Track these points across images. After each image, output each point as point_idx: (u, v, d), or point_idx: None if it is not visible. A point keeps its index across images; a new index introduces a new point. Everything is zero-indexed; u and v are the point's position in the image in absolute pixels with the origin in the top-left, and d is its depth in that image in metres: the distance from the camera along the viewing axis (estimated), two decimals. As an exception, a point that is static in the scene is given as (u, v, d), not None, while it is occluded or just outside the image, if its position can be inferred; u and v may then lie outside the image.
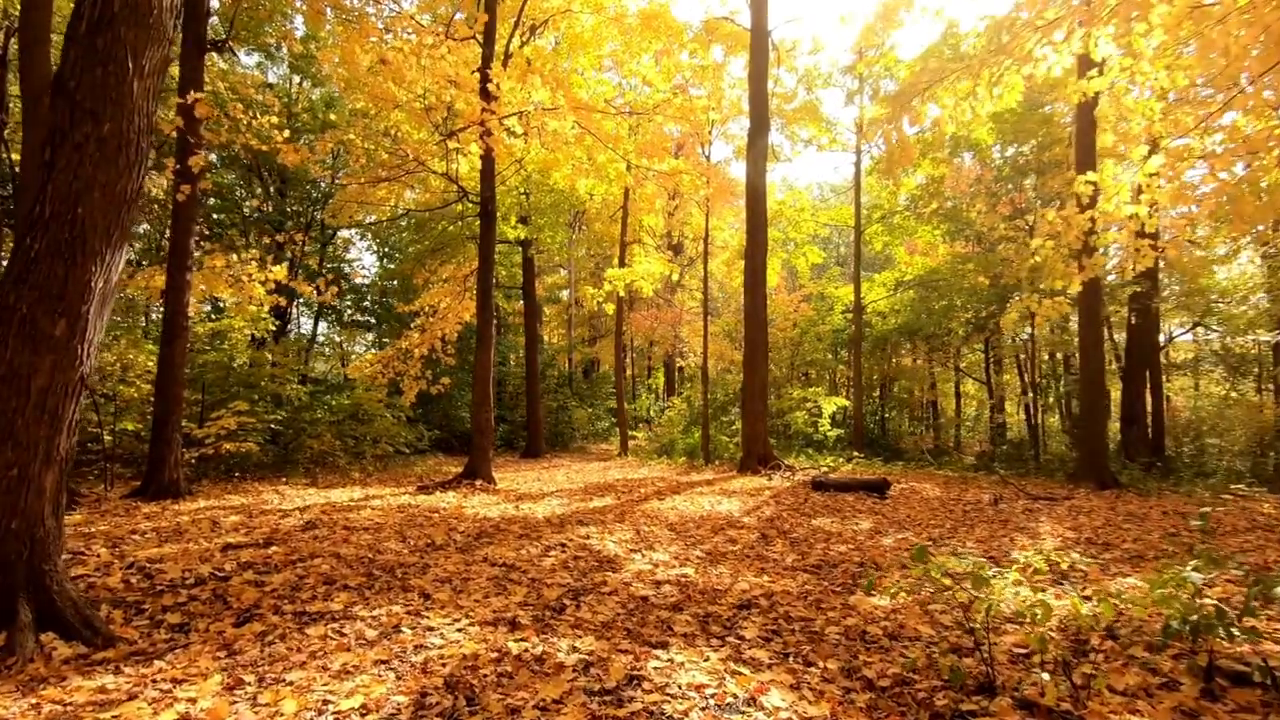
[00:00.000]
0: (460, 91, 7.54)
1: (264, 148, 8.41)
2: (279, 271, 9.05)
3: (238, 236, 14.94)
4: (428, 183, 14.21)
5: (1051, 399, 22.20)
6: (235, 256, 8.66)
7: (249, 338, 13.61)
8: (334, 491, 9.22)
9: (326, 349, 27.59)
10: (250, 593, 4.13)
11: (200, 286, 8.77)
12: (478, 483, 9.74)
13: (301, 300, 23.27)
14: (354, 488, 9.84)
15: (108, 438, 9.37)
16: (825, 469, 12.51)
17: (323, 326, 30.84)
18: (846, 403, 16.21)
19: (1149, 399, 16.02)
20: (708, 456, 14.80)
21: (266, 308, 12.08)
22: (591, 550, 5.59)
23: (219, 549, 5.27)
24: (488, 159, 9.76)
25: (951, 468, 14.68)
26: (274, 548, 5.36)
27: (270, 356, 12.52)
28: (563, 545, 5.73)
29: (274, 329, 12.53)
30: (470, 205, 11.06)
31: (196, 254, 9.37)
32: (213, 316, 12.37)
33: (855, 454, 14.30)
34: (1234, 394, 20.81)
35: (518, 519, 7.11)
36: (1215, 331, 19.93)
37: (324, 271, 21.60)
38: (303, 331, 26.12)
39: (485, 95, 7.83)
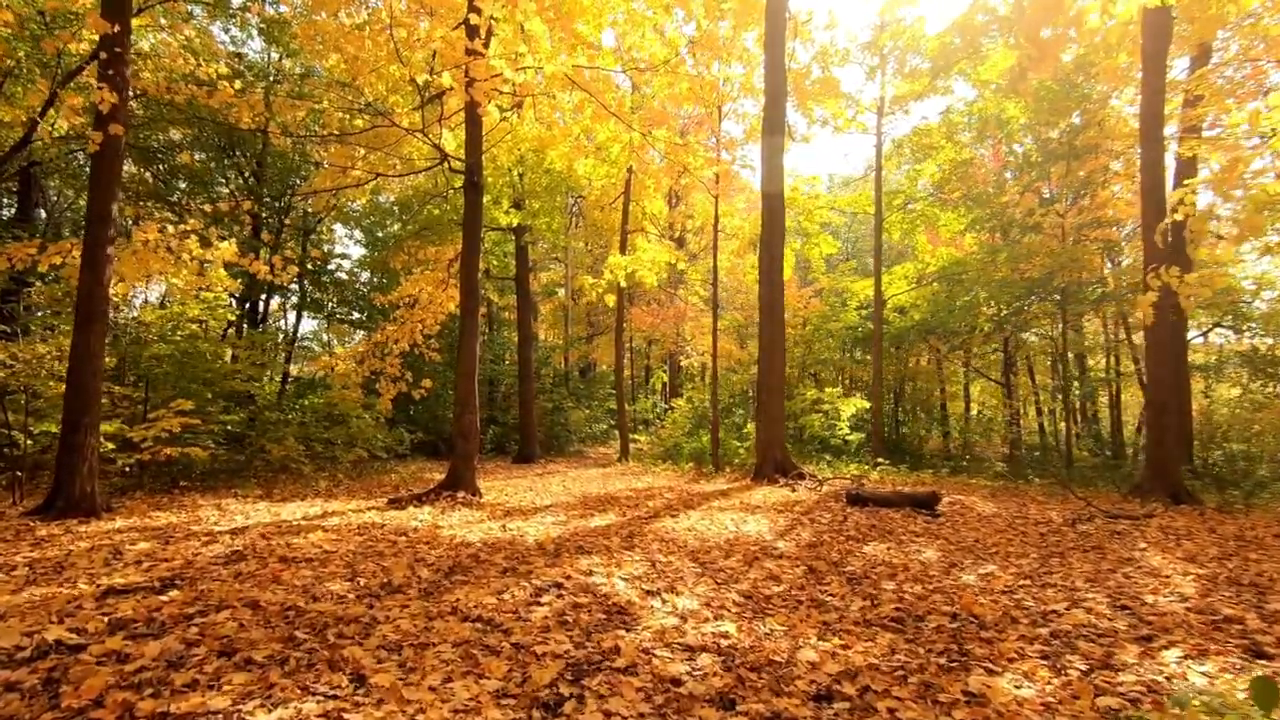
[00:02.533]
0: (437, 21, 6.25)
1: (208, 100, 7.10)
2: (226, 249, 7.72)
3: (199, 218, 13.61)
4: (411, 162, 12.88)
5: (1069, 401, 21.08)
6: (170, 228, 7.31)
7: (222, 331, 12.29)
8: (289, 506, 7.87)
9: (315, 346, 26.18)
10: (99, 677, 2.80)
11: (135, 261, 7.42)
12: (460, 495, 8.41)
13: (289, 295, 21.92)
14: (315, 501, 8.49)
15: (26, 442, 8.01)
16: (851, 478, 11.24)
17: (312, 325, 29.34)
18: (866, 404, 14.96)
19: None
20: (718, 463, 13.51)
21: (224, 292, 10.76)
22: (596, 593, 4.29)
23: (96, 595, 3.94)
24: (473, 119, 8.46)
25: (983, 476, 13.44)
26: (173, 593, 4.03)
27: (231, 350, 11.17)
28: (559, 586, 4.42)
29: (234, 319, 11.17)
30: (454, 176, 9.76)
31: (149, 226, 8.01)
32: (154, 303, 11.00)
33: (880, 461, 13.04)
34: (1259, 397, 19.69)
35: (503, 544, 5.80)
36: (1237, 332, 18.78)
37: (304, 261, 20.26)
38: (281, 327, 24.75)
39: (470, 33, 6.53)
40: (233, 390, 10.81)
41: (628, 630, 3.65)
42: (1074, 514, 7.49)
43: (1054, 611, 3.99)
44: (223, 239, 7.49)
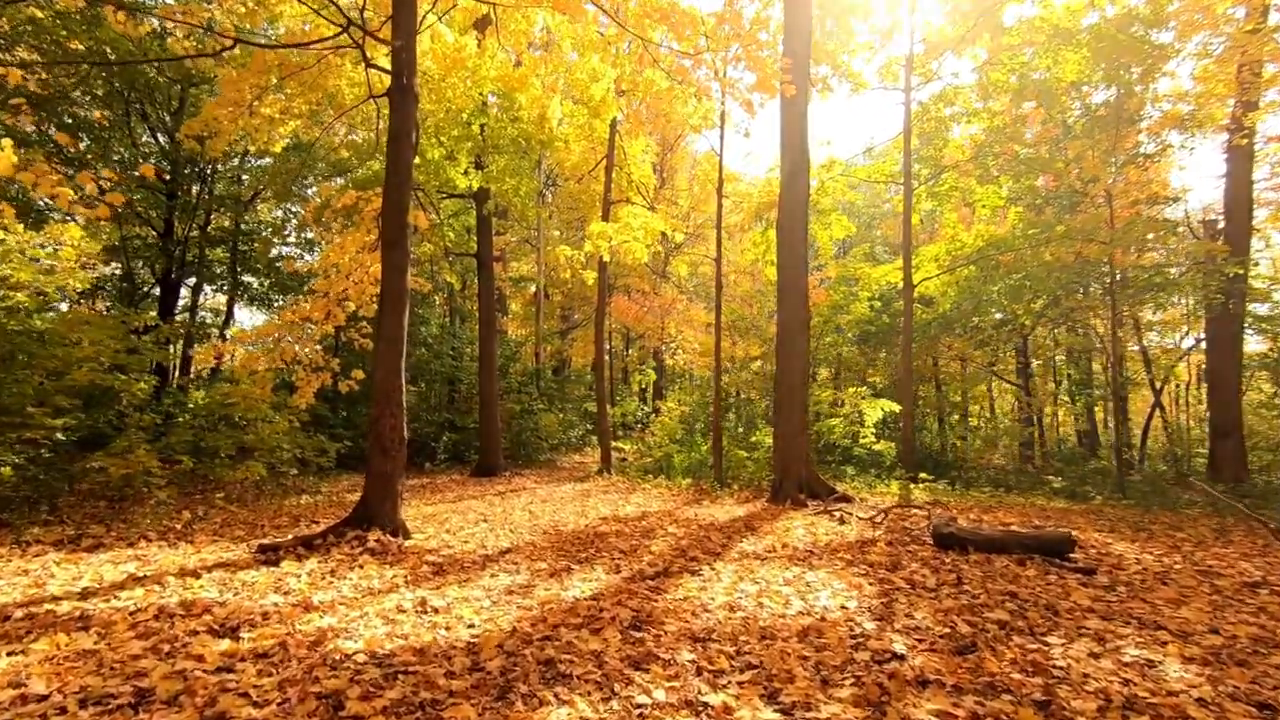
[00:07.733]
0: None
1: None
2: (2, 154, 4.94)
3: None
4: (339, 95, 10.12)
5: (1081, 404, 19.29)
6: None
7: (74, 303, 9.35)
8: (91, 560, 5.06)
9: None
10: None
11: None
12: (371, 536, 5.69)
13: (218, 280, 18.79)
14: (150, 547, 5.68)
15: None
16: (898, 500, 8.81)
17: (261, 317, 25.96)
18: (895, 407, 12.65)
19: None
20: (722, 479, 10.98)
21: (72, 250, 7.92)
22: None
23: None
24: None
25: (1039, 494, 11.16)
26: None
27: (85, 332, 8.28)
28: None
29: (84, 287, 8.26)
30: (376, 81, 7.06)
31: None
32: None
33: (922, 476, 10.65)
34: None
35: (407, 658, 3.14)
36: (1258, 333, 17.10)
37: (236, 239, 17.24)
38: (204, 317, 21.62)
39: None
40: (77, 385, 7.91)
41: None
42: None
43: None
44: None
